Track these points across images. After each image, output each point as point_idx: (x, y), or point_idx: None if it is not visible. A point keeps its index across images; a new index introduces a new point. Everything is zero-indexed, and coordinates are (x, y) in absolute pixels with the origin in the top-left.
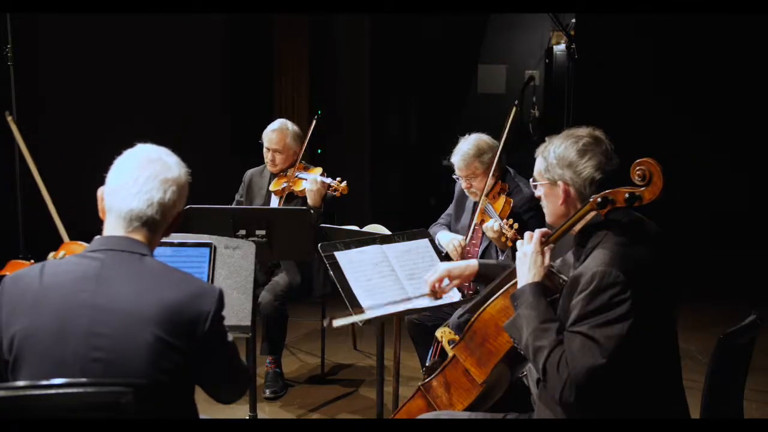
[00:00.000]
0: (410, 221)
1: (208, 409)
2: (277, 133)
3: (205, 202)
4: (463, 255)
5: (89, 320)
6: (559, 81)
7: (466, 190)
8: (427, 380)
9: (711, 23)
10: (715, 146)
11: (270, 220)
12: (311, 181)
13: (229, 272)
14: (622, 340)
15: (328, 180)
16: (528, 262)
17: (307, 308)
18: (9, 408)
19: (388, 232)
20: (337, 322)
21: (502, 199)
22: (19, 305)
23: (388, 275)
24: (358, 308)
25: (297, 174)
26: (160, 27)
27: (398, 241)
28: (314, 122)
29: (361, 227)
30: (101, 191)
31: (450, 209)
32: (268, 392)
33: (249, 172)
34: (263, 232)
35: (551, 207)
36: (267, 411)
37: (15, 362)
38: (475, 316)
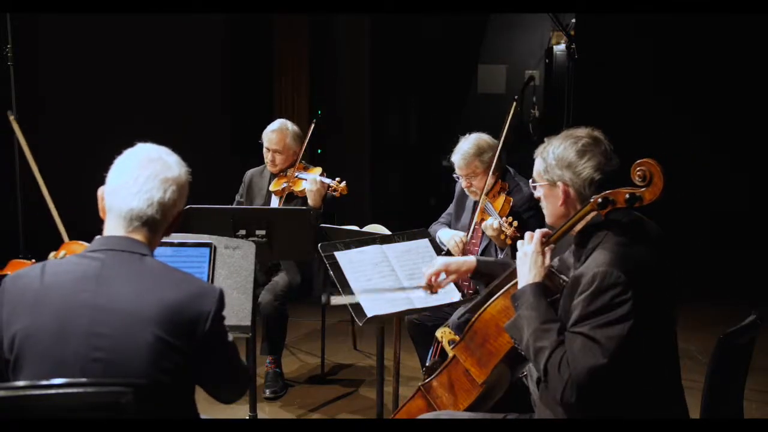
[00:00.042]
0: (410, 221)
1: (208, 409)
2: (277, 133)
3: (205, 202)
4: (465, 252)
5: (89, 320)
6: (559, 81)
7: (466, 189)
8: (427, 380)
9: (711, 23)
10: (715, 146)
11: (270, 220)
12: (311, 182)
13: (229, 272)
14: (623, 340)
15: (328, 180)
16: (528, 262)
17: (307, 308)
18: (9, 408)
19: (388, 232)
20: (336, 300)
21: (502, 197)
22: (20, 305)
23: (388, 275)
24: (357, 308)
25: (297, 174)
26: (160, 27)
27: (398, 241)
28: (314, 122)
29: (361, 227)
30: (101, 191)
31: (450, 209)
32: (268, 392)
33: (249, 173)
34: (263, 232)
35: (551, 208)
36: (267, 411)
37: (16, 362)
38: (476, 316)
